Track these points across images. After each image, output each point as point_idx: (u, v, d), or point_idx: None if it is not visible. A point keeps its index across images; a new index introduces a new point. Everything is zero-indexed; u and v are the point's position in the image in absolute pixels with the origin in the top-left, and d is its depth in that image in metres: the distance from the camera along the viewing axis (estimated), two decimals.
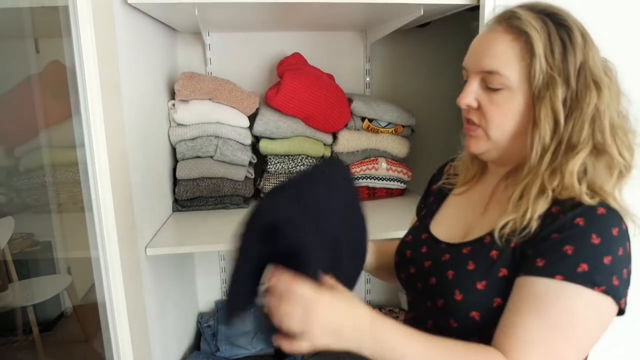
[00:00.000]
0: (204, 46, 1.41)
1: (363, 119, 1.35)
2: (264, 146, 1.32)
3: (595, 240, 0.53)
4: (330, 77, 1.40)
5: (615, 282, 0.52)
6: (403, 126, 1.39)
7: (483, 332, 0.58)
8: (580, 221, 0.54)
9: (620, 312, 0.55)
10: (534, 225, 0.56)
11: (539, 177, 0.58)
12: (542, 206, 0.57)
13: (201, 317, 1.51)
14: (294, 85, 1.26)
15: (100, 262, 0.85)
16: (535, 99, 0.58)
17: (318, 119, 1.30)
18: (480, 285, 0.58)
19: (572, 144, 0.57)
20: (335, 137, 1.36)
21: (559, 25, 0.58)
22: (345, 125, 1.35)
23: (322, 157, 1.36)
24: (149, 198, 1.08)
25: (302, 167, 1.32)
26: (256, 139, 1.35)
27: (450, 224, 0.72)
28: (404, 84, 1.51)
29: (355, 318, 0.52)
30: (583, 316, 0.53)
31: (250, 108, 1.29)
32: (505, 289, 0.57)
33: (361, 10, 1.09)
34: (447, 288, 0.61)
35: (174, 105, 1.24)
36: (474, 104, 0.62)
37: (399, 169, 1.38)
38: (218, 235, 1.09)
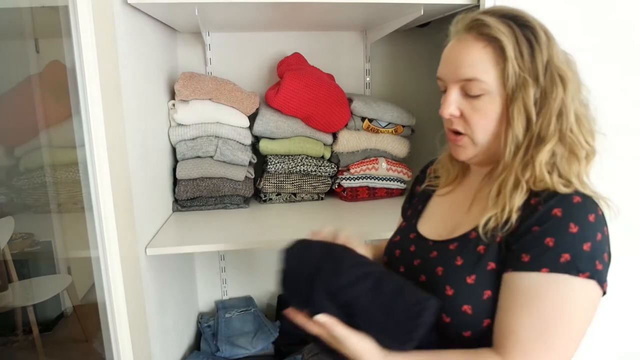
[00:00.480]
0: (204, 46, 1.42)
1: (363, 119, 1.35)
2: (264, 146, 1.32)
3: (574, 229, 0.55)
4: (330, 77, 1.40)
5: (599, 266, 0.55)
6: (403, 126, 1.39)
7: (476, 325, 0.60)
8: (557, 212, 0.56)
9: (603, 293, 0.57)
10: (514, 217, 0.59)
11: (513, 172, 0.61)
12: (519, 199, 0.59)
13: (201, 317, 1.51)
14: (294, 85, 1.26)
15: (100, 262, 0.85)
16: (509, 100, 0.60)
17: (318, 119, 1.30)
18: (470, 280, 0.60)
19: (541, 138, 0.60)
20: (335, 137, 1.36)
21: (524, 27, 0.60)
22: (345, 125, 1.35)
23: (322, 157, 1.36)
24: (149, 198, 1.08)
25: (302, 167, 1.32)
26: (256, 139, 1.35)
27: (437, 223, 0.73)
28: (404, 84, 1.51)
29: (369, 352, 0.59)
30: (573, 304, 0.55)
31: (250, 108, 1.29)
32: (494, 282, 0.59)
33: (361, 10, 1.09)
34: (438, 284, 0.63)
35: (174, 105, 1.24)
36: (457, 113, 0.64)
37: (399, 169, 1.38)
38: (218, 235, 1.09)
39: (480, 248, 0.61)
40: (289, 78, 1.27)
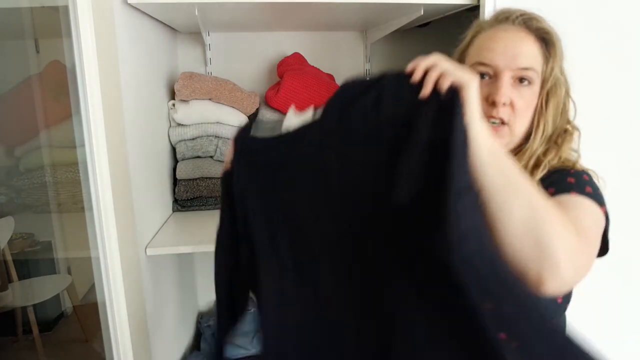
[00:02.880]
0: (204, 46, 1.41)
1: None
2: None
3: (586, 177, 0.65)
4: (330, 77, 1.40)
5: (605, 212, 0.61)
6: None
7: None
8: (571, 179, 0.64)
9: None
10: None
11: (535, 155, 0.68)
12: (537, 176, 0.66)
13: (201, 317, 1.51)
14: (294, 85, 1.26)
15: (100, 262, 0.85)
16: (546, 95, 0.67)
17: None
18: None
19: (567, 129, 0.69)
20: None
21: (556, 40, 0.68)
22: None
23: None
24: (149, 198, 1.08)
25: None
26: None
27: None
28: None
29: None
30: (596, 227, 0.59)
31: (250, 108, 1.29)
32: None
33: (361, 10, 1.09)
34: None
35: (174, 105, 1.24)
36: (509, 100, 0.67)
37: None
38: None
39: None
40: (289, 78, 1.27)
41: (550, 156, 0.67)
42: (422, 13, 1.04)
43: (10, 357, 2.35)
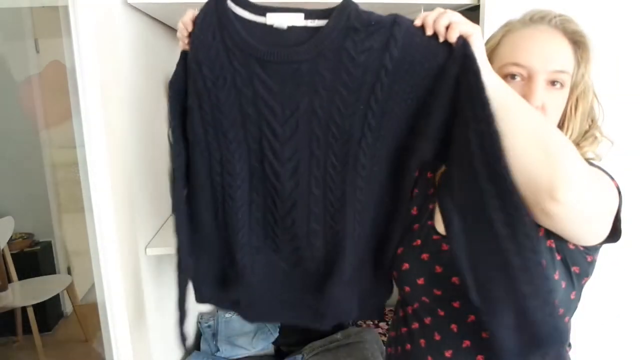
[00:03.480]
0: None
1: None
2: None
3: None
4: None
5: (617, 187, 0.63)
6: None
7: None
8: None
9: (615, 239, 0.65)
10: None
11: None
12: None
13: (201, 317, 1.51)
14: None
15: (100, 262, 0.85)
16: (576, 100, 0.67)
17: None
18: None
19: (587, 134, 0.69)
20: None
21: (587, 46, 0.67)
22: None
23: None
24: (149, 198, 1.08)
25: None
26: None
27: None
28: None
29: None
30: (608, 195, 0.61)
31: None
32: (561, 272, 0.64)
33: None
34: None
35: None
36: (541, 103, 0.66)
37: None
38: None
39: None
40: None
41: None
42: (422, 13, 1.04)
43: (10, 356, 2.35)
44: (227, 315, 1.48)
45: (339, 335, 1.31)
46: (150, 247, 1.00)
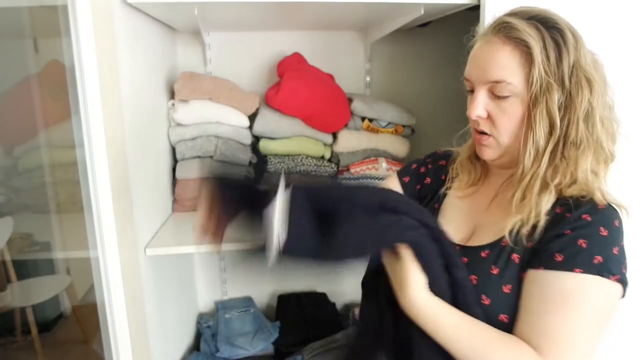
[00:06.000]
0: (204, 46, 1.41)
1: (363, 118, 1.35)
2: (264, 146, 1.32)
3: (604, 232, 0.57)
4: (330, 77, 1.40)
5: (624, 270, 0.57)
6: (403, 126, 1.38)
7: (510, 331, 0.60)
8: (587, 217, 0.58)
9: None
10: (542, 221, 0.59)
11: (539, 177, 0.61)
12: (546, 201, 0.60)
13: (201, 317, 1.51)
14: (294, 85, 1.26)
15: (99, 262, 0.85)
16: (532, 103, 0.61)
17: (318, 119, 1.30)
18: (506, 289, 0.60)
19: (573, 142, 0.60)
20: (335, 137, 1.36)
21: (552, 29, 0.60)
22: (346, 125, 1.34)
23: (322, 157, 1.36)
24: (149, 198, 1.08)
25: (302, 167, 1.32)
26: (256, 139, 1.35)
27: (456, 225, 0.72)
28: (404, 84, 1.51)
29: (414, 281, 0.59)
30: (605, 305, 0.57)
31: (250, 108, 1.29)
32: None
33: (361, 10, 1.09)
34: None
35: (173, 105, 1.23)
36: (484, 114, 0.65)
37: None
38: None
39: (515, 257, 0.61)
40: (289, 78, 1.26)
41: (557, 179, 0.60)
42: (422, 13, 1.04)
43: (9, 357, 2.34)
44: (227, 315, 1.48)
45: (339, 336, 1.31)
46: (150, 247, 1.00)
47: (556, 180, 0.60)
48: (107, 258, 0.84)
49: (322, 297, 1.59)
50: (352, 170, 1.35)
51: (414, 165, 0.87)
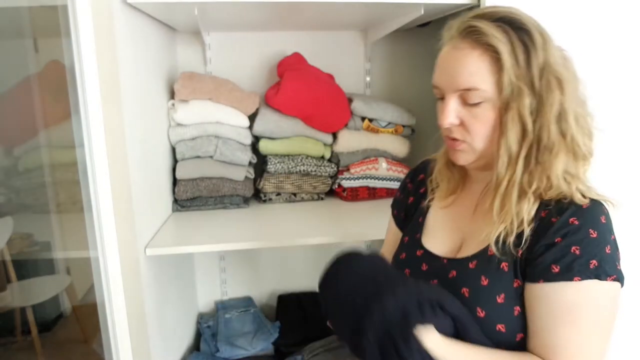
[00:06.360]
0: (204, 46, 1.41)
1: (363, 118, 1.35)
2: (264, 146, 1.32)
3: (593, 234, 0.57)
4: (330, 77, 1.40)
5: (618, 266, 0.57)
6: (403, 126, 1.39)
7: (510, 341, 0.60)
8: (574, 220, 0.57)
9: None
10: (527, 229, 0.59)
11: (516, 184, 0.60)
12: (528, 210, 0.59)
13: (201, 317, 1.51)
14: (294, 85, 1.26)
15: (99, 262, 0.85)
16: (503, 109, 0.59)
17: (318, 119, 1.30)
18: (500, 299, 0.60)
19: (546, 146, 0.59)
20: (335, 137, 1.36)
21: (519, 30, 0.58)
22: (346, 125, 1.34)
23: (322, 157, 1.36)
24: (149, 198, 1.08)
25: (302, 167, 1.32)
26: (256, 139, 1.35)
27: (443, 237, 0.71)
28: (404, 84, 1.51)
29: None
30: (606, 308, 0.57)
31: (250, 108, 1.29)
32: (521, 297, 0.60)
33: (361, 10, 1.09)
34: (467, 306, 0.61)
35: (173, 105, 1.23)
36: (457, 122, 0.63)
37: (399, 169, 1.38)
38: (218, 235, 1.09)
39: (503, 265, 0.61)
40: (289, 78, 1.26)
41: (534, 185, 0.59)
42: (422, 13, 1.04)
43: (9, 357, 2.34)
44: (227, 315, 1.48)
45: None
46: (150, 247, 1.00)
47: (533, 187, 0.59)
48: (107, 258, 0.84)
49: None
50: (352, 170, 1.35)
51: (399, 194, 0.86)
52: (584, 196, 0.59)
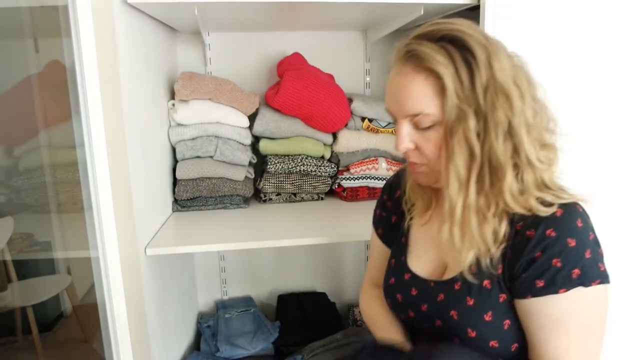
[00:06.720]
0: (204, 46, 1.41)
1: (363, 118, 1.35)
2: (264, 146, 1.32)
3: (572, 243, 0.56)
4: (330, 77, 1.40)
5: (602, 268, 0.57)
6: None
7: (506, 352, 0.60)
8: (551, 232, 0.56)
9: None
10: (496, 249, 0.59)
11: (472, 209, 0.58)
12: (490, 231, 0.59)
13: (201, 317, 1.51)
14: (294, 85, 1.26)
15: (99, 262, 0.85)
16: (449, 133, 0.58)
17: (318, 119, 1.30)
18: (487, 317, 0.60)
19: (496, 167, 0.57)
20: (335, 137, 1.36)
21: (462, 49, 0.56)
22: (345, 125, 1.34)
23: (322, 157, 1.36)
24: (149, 198, 1.08)
25: (302, 167, 1.32)
26: (256, 139, 1.35)
27: (427, 258, 0.71)
28: None
29: None
30: (596, 312, 0.57)
31: (250, 108, 1.29)
32: (509, 310, 0.60)
33: (361, 10, 1.09)
34: (458, 328, 0.62)
35: (173, 105, 1.24)
36: (412, 146, 0.62)
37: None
38: (218, 235, 1.09)
39: (486, 283, 0.61)
40: (289, 78, 1.27)
41: (492, 208, 0.58)
42: (422, 13, 1.04)
43: (9, 357, 2.35)
44: (227, 315, 1.48)
45: (339, 336, 1.31)
46: (150, 247, 1.00)
47: (492, 210, 0.58)
48: (107, 258, 0.85)
49: (322, 297, 1.59)
50: (352, 171, 1.35)
51: (378, 212, 0.85)
52: (552, 204, 0.57)
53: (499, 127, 0.56)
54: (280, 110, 1.28)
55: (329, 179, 1.37)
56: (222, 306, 1.55)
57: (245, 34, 1.42)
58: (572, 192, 0.60)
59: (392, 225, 0.81)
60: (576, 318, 0.56)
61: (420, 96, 0.58)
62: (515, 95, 0.56)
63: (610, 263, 0.58)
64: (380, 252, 0.84)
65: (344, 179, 1.36)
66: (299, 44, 1.41)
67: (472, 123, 0.56)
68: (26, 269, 2.34)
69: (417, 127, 0.61)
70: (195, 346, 1.43)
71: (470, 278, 0.60)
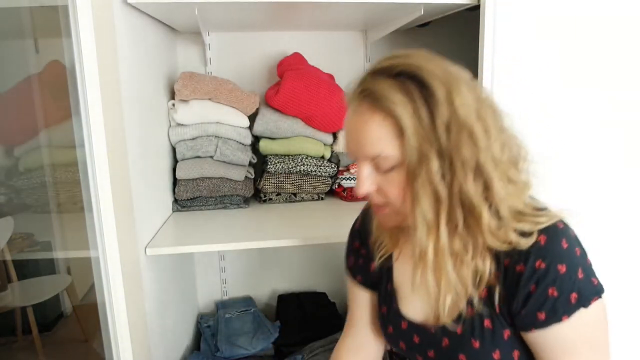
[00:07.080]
0: (204, 46, 1.41)
1: None
2: (264, 146, 1.32)
3: (562, 269, 0.55)
4: (330, 77, 1.40)
5: (595, 282, 0.57)
6: None
7: None
8: (540, 264, 0.55)
9: None
10: (476, 295, 0.59)
11: (446, 252, 0.56)
12: (468, 274, 0.58)
13: (201, 317, 1.51)
14: (294, 85, 1.26)
15: (100, 262, 0.85)
16: (411, 175, 0.54)
17: (318, 119, 1.30)
18: (496, 355, 0.60)
19: (470, 207, 0.54)
20: (335, 137, 1.36)
21: (421, 86, 0.53)
22: None
23: (322, 157, 1.36)
24: (149, 198, 1.08)
25: (302, 167, 1.32)
26: (256, 139, 1.35)
27: (418, 301, 0.68)
28: None
29: None
30: (598, 328, 0.58)
31: (250, 108, 1.29)
32: (515, 343, 0.60)
33: (361, 10, 1.09)
34: None
35: (173, 105, 1.24)
36: (373, 188, 0.59)
37: None
38: (218, 235, 1.09)
39: (487, 323, 0.60)
40: (289, 78, 1.27)
41: (469, 252, 0.56)
42: (422, 13, 1.04)
43: (9, 357, 2.34)
44: (227, 315, 1.48)
45: (339, 336, 1.31)
46: (150, 247, 1.00)
47: (470, 251, 0.56)
48: (107, 258, 0.85)
49: (322, 296, 1.59)
50: (352, 171, 1.35)
51: (352, 259, 0.80)
52: (531, 233, 0.55)
53: (467, 166, 0.53)
54: (280, 110, 1.28)
55: (329, 179, 1.37)
56: (222, 306, 1.55)
57: (245, 34, 1.42)
58: (548, 211, 0.58)
59: (371, 273, 0.77)
60: (582, 339, 0.57)
61: (378, 137, 0.55)
62: (479, 130, 0.52)
63: (599, 267, 0.59)
64: (367, 298, 0.79)
65: (344, 179, 1.36)
66: (299, 44, 1.41)
67: (434, 164, 0.52)
68: (26, 269, 2.34)
69: (378, 168, 0.58)
70: (195, 346, 1.43)
71: (450, 326, 0.60)
